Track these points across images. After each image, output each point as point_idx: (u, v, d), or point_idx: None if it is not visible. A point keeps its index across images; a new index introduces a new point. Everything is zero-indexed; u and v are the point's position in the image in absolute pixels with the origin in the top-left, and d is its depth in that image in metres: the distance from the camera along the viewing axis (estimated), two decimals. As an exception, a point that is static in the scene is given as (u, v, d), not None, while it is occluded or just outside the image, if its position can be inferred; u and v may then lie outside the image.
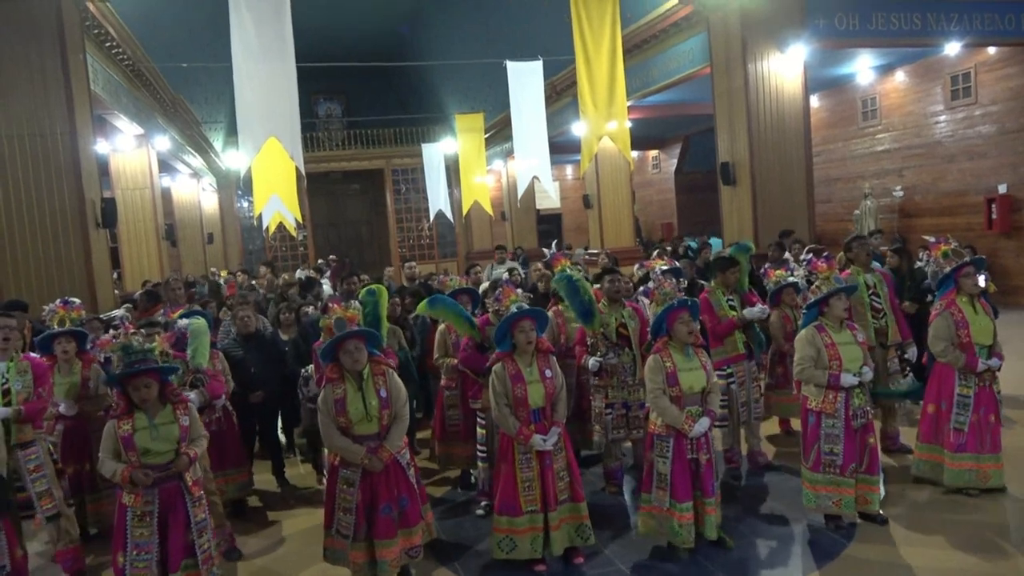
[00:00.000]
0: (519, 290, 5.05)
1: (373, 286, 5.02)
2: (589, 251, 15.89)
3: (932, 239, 5.52)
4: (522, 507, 4.31)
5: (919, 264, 6.37)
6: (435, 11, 21.97)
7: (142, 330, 4.55)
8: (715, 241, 14.13)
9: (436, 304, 5.45)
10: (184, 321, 5.27)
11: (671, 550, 4.49)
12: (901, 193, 14.32)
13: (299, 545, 5.11)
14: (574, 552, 4.50)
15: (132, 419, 3.84)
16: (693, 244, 13.73)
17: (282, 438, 6.95)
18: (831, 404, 4.58)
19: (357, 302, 4.67)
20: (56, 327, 5.26)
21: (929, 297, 7.73)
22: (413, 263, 11.47)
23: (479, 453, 5.36)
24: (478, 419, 5.37)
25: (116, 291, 10.85)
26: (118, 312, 7.49)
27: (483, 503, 5.35)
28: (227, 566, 4.76)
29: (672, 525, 4.36)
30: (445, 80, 24.09)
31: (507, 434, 4.39)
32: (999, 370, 5.10)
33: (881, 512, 4.73)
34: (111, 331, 4.15)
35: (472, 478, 5.84)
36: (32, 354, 4.96)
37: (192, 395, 4.91)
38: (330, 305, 4.57)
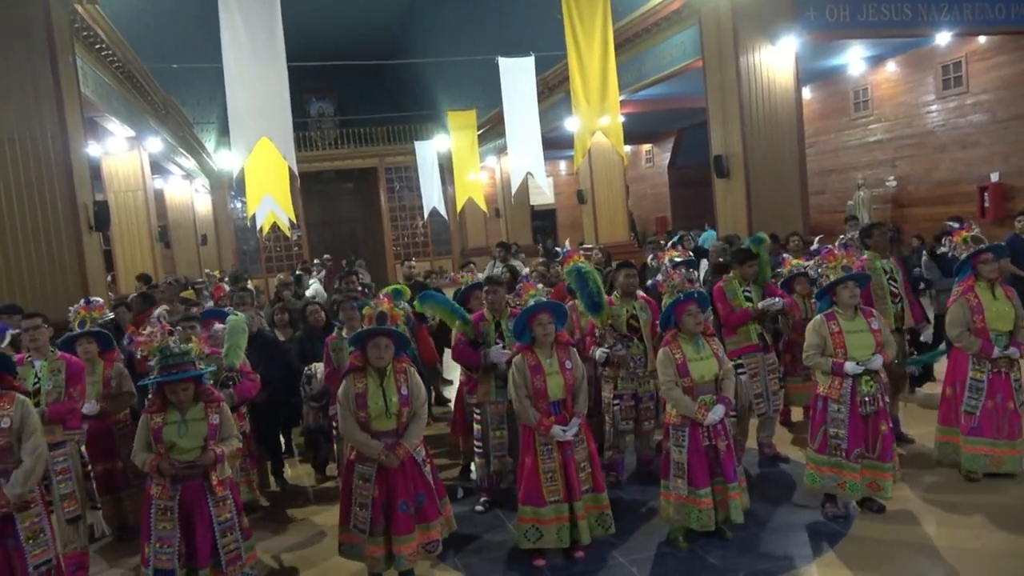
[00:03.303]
0: (540, 285, 5.06)
1: (397, 286, 5.03)
2: (584, 246, 15.89)
3: (956, 224, 5.45)
4: (546, 497, 4.33)
5: (942, 249, 6.41)
6: (427, 8, 21.92)
7: (178, 327, 4.53)
8: (710, 233, 14.15)
9: (428, 300, 5.45)
10: (220, 326, 5.29)
11: (670, 542, 4.51)
12: (894, 183, 14.36)
13: (299, 544, 5.11)
14: (574, 546, 4.51)
15: (164, 413, 3.92)
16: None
17: (281, 439, 6.94)
18: (836, 390, 4.63)
19: (406, 303, 4.67)
20: (76, 327, 5.29)
21: (922, 285, 7.76)
22: (412, 262, 11.50)
23: (475, 448, 5.37)
24: (474, 414, 5.37)
25: (111, 294, 10.81)
26: (160, 309, 7.45)
27: (482, 499, 5.36)
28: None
29: (691, 512, 4.38)
30: (437, 77, 24.04)
31: (527, 425, 4.42)
32: (1020, 358, 5.08)
33: (876, 500, 4.74)
34: (148, 329, 4.14)
35: (471, 473, 5.84)
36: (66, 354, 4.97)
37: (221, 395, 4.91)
38: (380, 296, 4.60)
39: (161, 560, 3.83)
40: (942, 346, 5.90)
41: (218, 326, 5.32)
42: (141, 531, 3.97)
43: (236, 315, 5.50)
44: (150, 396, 4.09)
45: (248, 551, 4.06)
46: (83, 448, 4.84)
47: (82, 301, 5.54)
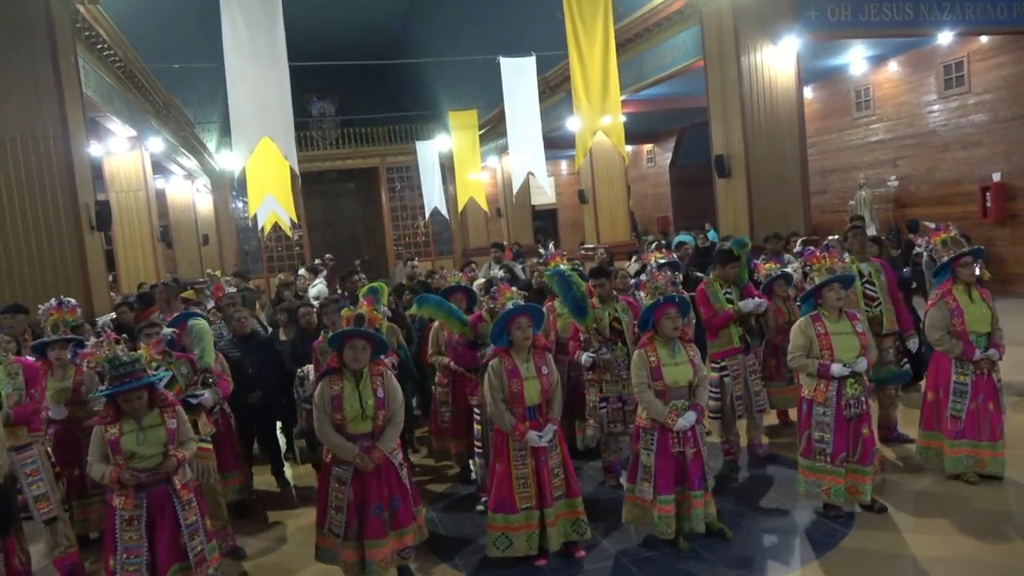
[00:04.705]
0: (514, 288, 5.06)
1: (375, 284, 5.04)
2: (585, 246, 15.91)
3: (932, 226, 5.48)
4: (517, 504, 4.32)
5: (918, 250, 6.38)
6: (428, 8, 21.92)
7: (124, 336, 4.51)
8: (710, 233, 14.11)
9: (425, 303, 5.45)
10: (168, 329, 5.26)
11: (672, 542, 4.50)
12: (896, 183, 14.34)
13: (300, 544, 5.10)
14: (575, 546, 4.51)
15: (120, 423, 3.84)
16: (688, 238, 13.72)
17: (282, 439, 6.95)
18: (822, 393, 4.61)
19: (385, 308, 4.67)
20: (49, 330, 5.21)
21: (914, 284, 7.75)
22: (415, 261, 11.46)
23: (476, 449, 5.37)
24: (474, 414, 5.37)
25: (112, 293, 10.82)
26: (105, 317, 7.47)
27: (483, 499, 5.36)
28: (232, 566, 4.75)
29: (652, 516, 4.39)
30: (438, 77, 24.04)
31: (502, 430, 4.40)
32: (999, 360, 5.08)
33: (878, 500, 4.75)
34: (93, 340, 4.10)
35: (472, 473, 5.84)
36: (26, 357, 4.94)
37: (206, 394, 4.94)
38: (362, 300, 4.61)
39: (128, 571, 3.77)
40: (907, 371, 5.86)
41: (167, 330, 5.24)
42: (105, 543, 3.91)
43: (197, 319, 5.46)
44: (103, 406, 3.99)
45: (212, 553, 4.03)
46: (49, 449, 4.83)
47: (53, 301, 5.25)
